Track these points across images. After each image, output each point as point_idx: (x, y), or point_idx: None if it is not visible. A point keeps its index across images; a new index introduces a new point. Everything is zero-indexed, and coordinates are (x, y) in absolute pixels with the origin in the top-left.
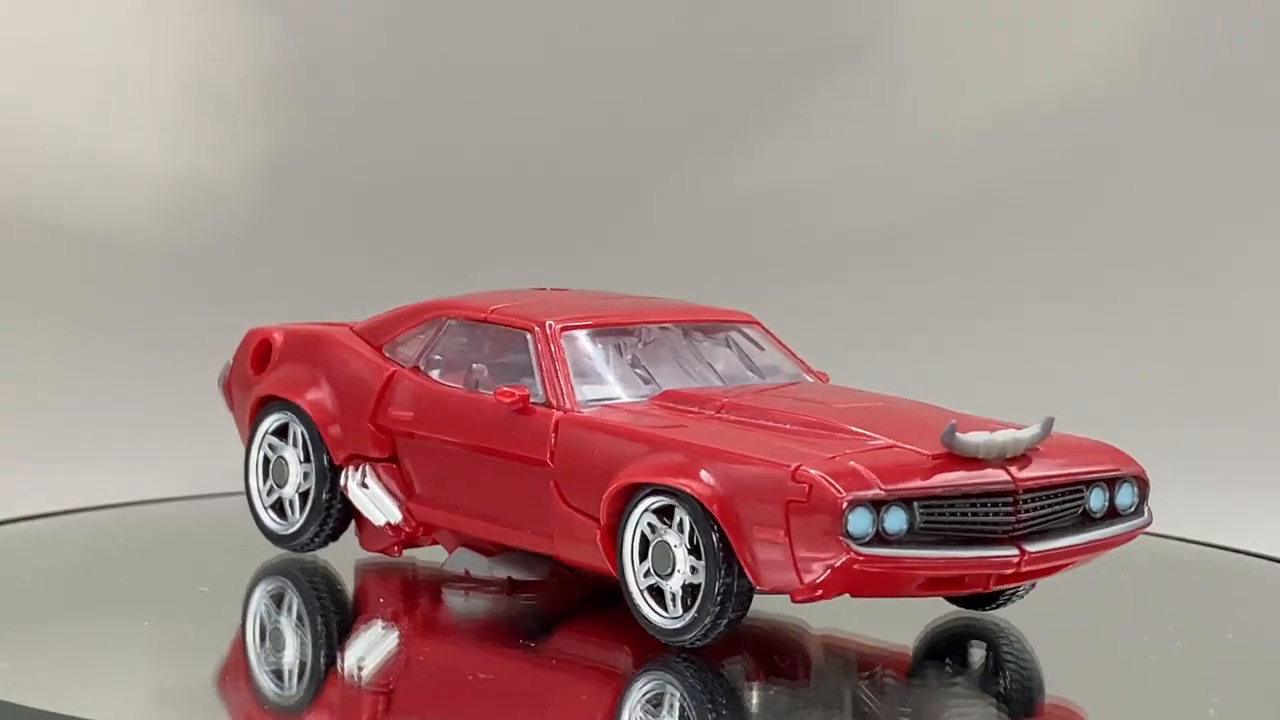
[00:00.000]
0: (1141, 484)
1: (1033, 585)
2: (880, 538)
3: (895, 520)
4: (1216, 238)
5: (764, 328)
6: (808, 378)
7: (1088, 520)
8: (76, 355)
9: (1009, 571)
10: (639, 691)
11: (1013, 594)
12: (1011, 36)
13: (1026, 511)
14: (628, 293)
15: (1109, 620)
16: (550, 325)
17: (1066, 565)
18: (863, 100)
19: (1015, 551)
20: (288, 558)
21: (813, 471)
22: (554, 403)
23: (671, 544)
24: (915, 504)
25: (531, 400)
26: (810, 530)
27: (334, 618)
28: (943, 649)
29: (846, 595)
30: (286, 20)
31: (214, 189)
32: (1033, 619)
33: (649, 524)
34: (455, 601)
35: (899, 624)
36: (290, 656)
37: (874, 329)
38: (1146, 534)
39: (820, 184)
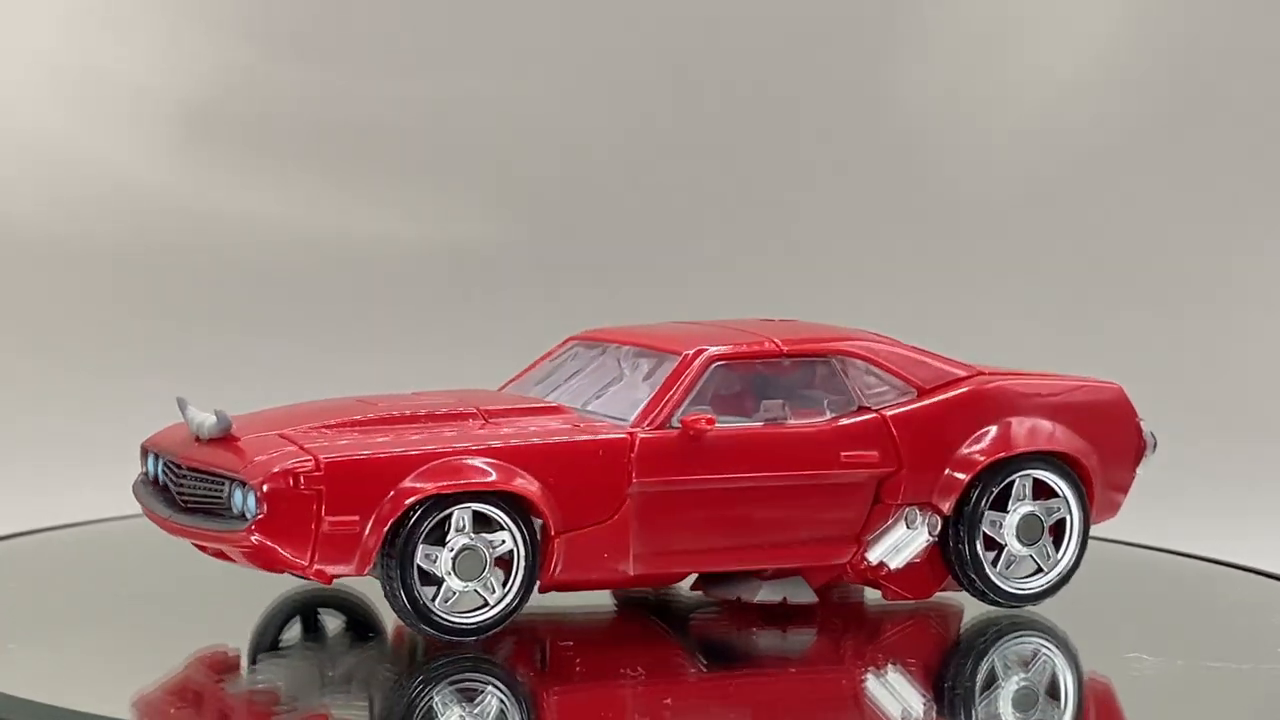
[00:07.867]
0: (259, 498)
1: None
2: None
3: (156, 470)
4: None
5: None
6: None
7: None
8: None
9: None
10: None
11: None
12: (1000, 46)
13: (183, 487)
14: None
15: None
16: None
17: (200, 542)
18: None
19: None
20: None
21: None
22: None
23: None
24: (162, 460)
25: None
26: None
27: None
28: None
29: None
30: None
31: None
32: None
33: None
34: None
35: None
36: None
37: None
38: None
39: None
